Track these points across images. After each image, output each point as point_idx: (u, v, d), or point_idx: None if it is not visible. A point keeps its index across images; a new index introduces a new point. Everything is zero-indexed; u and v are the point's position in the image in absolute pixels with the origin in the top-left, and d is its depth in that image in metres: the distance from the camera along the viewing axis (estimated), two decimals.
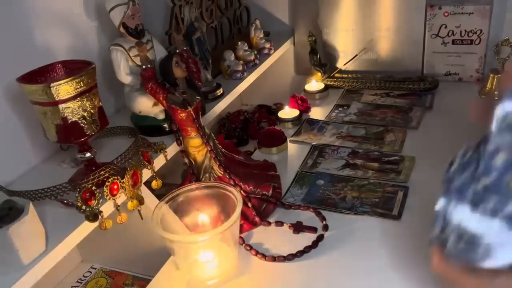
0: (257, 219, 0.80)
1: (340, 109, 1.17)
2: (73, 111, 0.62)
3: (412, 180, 0.85)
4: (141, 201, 0.70)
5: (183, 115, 0.78)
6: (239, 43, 1.17)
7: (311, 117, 1.16)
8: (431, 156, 0.90)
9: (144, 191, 0.72)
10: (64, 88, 0.60)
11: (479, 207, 0.39)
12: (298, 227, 0.78)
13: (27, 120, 0.75)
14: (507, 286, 0.38)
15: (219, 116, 1.23)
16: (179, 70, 0.78)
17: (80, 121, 0.64)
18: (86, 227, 0.62)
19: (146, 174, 0.73)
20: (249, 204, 0.80)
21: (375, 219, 0.77)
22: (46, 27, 0.78)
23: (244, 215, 0.79)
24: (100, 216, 0.63)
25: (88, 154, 0.68)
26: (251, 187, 0.84)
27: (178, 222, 0.74)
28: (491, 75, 1.12)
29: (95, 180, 0.65)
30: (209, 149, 0.81)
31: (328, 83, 1.28)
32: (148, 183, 0.74)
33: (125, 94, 0.85)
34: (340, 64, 1.32)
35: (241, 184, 0.82)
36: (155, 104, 0.83)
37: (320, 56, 1.28)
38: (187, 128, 0.79)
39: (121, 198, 0.67)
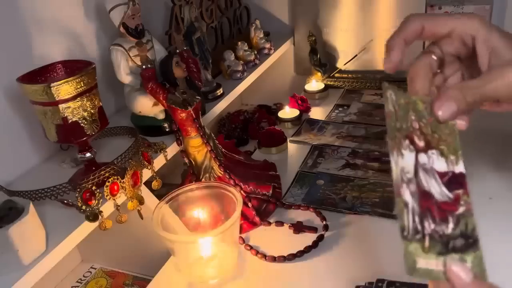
0: (257, 219, 0.80)
1: (340, 109, 1.17)
2: (73, 111, 0.62)
3: None
4: (141, 201, 0.70)
5: (183, 115, 0.78)
6: (239, 43, 1.17)
7: (311, 117, 1.16)
8: None
9: (144, 191, 0.72)
10: (64, 88, 0.60)
11: None
12: (298, 227, 0.78)
13: (27, 120, 0.75)
14: None
15: (219, 116, 1.23)
16: (179, 70, 0.78)
17: (80, 121, 0.64)
18: (86, 227, 0.62)
19: (146, 174, 0.73)
20: (249, 204, 0.80)
21: (375, 219, 0.77)
22: (47, 27, 0.78)
23: (244, 215, 0.79)
24: (100, 216, 0.63)
25: (88, 154, 0.68)
26: (251, 187, 0.84)
27: (178, 222, 0.74)
28: None
29: (95, 180, 0.65)
30: (209, 149, 0.81)
31: (328, 83, 1.28)
32: (148, 183, 0.74)
33: (125, 94, 0.85)
34: (340, 64, 1.32)
35: (241, 184, 0.82)
36: (155, 104, 0.83)
37: (320, 56, 1.28)
38: (187, 128, 0.79)
39: (121, 198, 0.67)
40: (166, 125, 0.85)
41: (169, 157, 0.80)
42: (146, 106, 0.83)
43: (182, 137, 0.81)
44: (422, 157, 0.38)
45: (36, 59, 0.68)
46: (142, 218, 0.70)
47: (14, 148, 0.75)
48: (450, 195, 0.38)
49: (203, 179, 0.82)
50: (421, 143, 0.38)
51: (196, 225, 0.76)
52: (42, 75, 0.65)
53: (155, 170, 0.75)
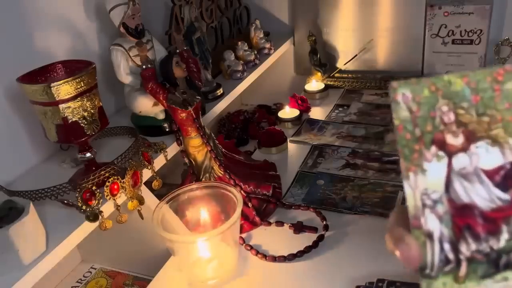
0: (257, 219, 0.80)
1: (340, 109, 1.17)
2: (73, 111, 0.62)
3: None
4: (141, 201, 0.70)
5: (183, 115, 0.78)
6: (239, 43, 1.17)
7: (311, 117, 1.16)
8: None
9: (144, 191, 0.72)
10: (64, 88, 0.60)
11: None
12: (298, 227, 0.78)
13: (27, 120, 0.75)
14: None
15: (219, 116, 1.22)
16: (179, 70, 0.78)
17: (80, 121, 0.64)
18: (86, 227, 0.62)
19: (146, 174, 0.73)
20: (249, 204, 0.80)
21: (375, 219, 0.77)
22: (47, 27, 0.78)
23: (244, 215, 0.79)
24: (100, 216, 0.63)
25: (88, 154, 0.68)
26: (251, 187, 0.84)
27: (178, 222, 0.74)
28: None
29: (95, 180, 0.65)
30: (209, 149, 0.81)
31: (328, 83, 1.28)
32: (148, 183, 0.74)
33: (125, 94, 0.85)
34: (340, 64, 1.32)
35: (241, 184, 0.82)
36: (155, 104, 0.83)
37: (320, 56, 1.28)
38: (187, 128, 0.79)
39: (121, 198, 0.67)
40: (166, 125, 0.85)
41: (169, 157, 0.80)
42: (146, 106, 0.83)
43: (182, 137, 0.81)
44: (460, 160, 0.32)
45: (36, 59, 0.68)
46: (142, 218, 0.70)
47: (14, 148, 0.75)
48: (506, 196, 0.31)
49: (203, 179, 0.82)
50: (458, 140, 0.32)
51: (196, 225, 0.76)
52: (42, 75, 0.65)
53: (155, 170, 0.75)
